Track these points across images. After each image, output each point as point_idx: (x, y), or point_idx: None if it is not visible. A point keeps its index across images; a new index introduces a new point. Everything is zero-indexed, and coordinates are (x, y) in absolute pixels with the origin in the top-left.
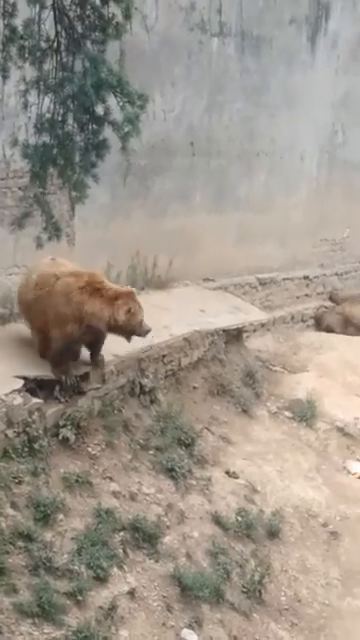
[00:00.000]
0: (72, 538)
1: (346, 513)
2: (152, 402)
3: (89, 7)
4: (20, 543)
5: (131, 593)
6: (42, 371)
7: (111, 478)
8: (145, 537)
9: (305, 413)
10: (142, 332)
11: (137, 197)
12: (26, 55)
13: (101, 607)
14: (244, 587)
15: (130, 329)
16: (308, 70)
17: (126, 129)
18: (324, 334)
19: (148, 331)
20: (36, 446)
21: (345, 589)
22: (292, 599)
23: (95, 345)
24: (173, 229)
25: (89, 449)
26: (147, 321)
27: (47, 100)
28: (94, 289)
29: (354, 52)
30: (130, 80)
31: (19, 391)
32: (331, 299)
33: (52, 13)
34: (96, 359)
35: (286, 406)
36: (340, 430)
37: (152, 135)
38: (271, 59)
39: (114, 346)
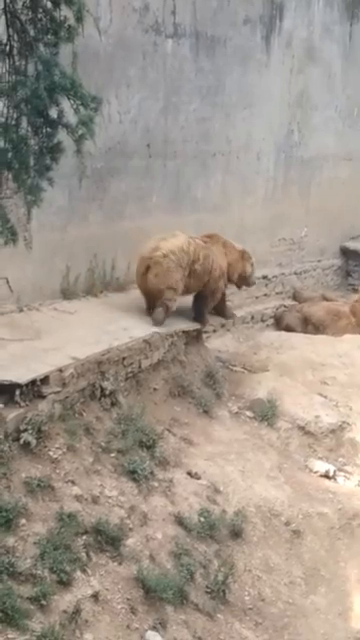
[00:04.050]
0: (35, 543)
1: (308, 511)
2: (113, 405)
3: (41, 10)
4: None
5: (95, 596)
6: (1, 376)
7: (73, 482)
8: (108, 540)
9: (266, 413)
10: (253, 282)
11: (94, 199)
12: None
13: (65, 611)
14: (208, 588)
15: (248, 280)
16: (263, 69)
17: (80, 132)
18: (284, 333)
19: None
20: None
21: (308, 587)
22: (256, 598)
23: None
24: (131, 231)
25: (50, 453)
26: (107, 324)
27: (0, 104)
28: (229, 246)
29: (308, 51)
30: (85, 83)
31: None
32: (294, 298)
33: (4, 17)
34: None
35: (247, 406)
36: (301, 429)
37: (108, 137)
38: (226, 59)
39: (73, 350)
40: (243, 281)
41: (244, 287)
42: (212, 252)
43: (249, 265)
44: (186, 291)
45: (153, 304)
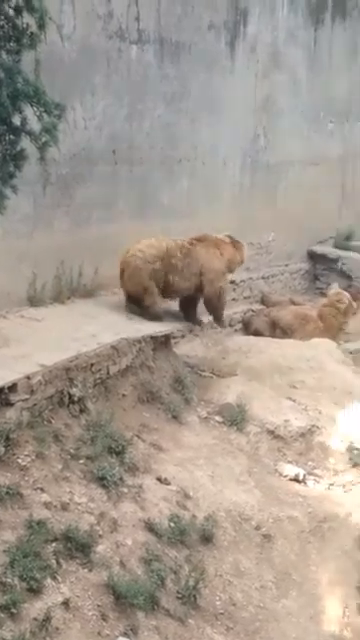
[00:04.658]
0: (4, 551)
1: (279, 515)
2: (81, 411)
3: (2, 17)
4: None
5: (65, 603)
6: None
7: (42, 489)
8: (78, 547)
9: (235, 417)
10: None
11: (59, 206)
12: None
13: (35, 619)
14: (179, 593)
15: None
16: (228, 75)
17: (44, 139)
18: (252, 338)
19: None
20: None
21: (279, 591)
22: (227, 603)
23: (195, 305)
24: (97, 237)
25: (19, 460)
26: (74, 330)
27: None
28: (221, 242)
29: (273, 56)
30: (48, 90)
31: None
32: (262, 302)
33: None
34: (196, 319)
35: (216, 411)
36: (270, 433)
37: (73, 144)
38: (191, 65)
39: (41, 357)
40: (238, 268)
41: None
42: (197, 252)
43: (244, 251)
44: (173, 290)
45: (140, 305)
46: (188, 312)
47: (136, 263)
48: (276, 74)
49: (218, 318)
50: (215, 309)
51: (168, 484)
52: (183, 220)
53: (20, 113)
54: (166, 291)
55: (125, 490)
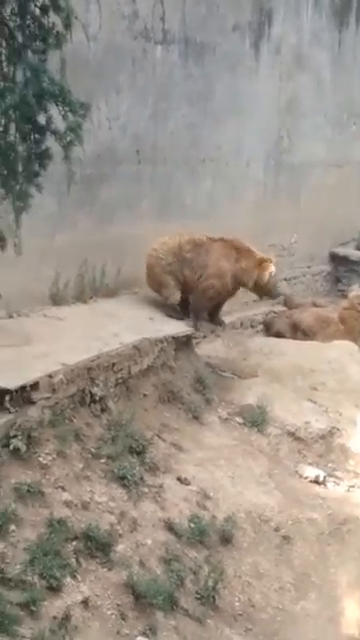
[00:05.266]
0: (24, 549)
1: (298, 517)
2: (103, 411)
3: (29, 17)
4: None
5: (85, 602)
6: None
7: (63, 488)
8: (98, 546)
9: (256, 418)
10: (275, 294)
11: (83, 206)
12: None
13: (55, 617)
14: (198, 593)
15: (267, 290)
16: (252, 76)
17: (68, 138)
18: (273, 339)
19: (279, 295)
20: None
21: (298, 593)
22: (246, 604)
23: (219, 306)
24: (120, 237)
25: (40, 459)
26: (97, 330)
27: None
28: (245, 251)
29: (297, 58)
30: (74, 89)
31: None
32: (284, 304)
33: None
34: (218, 319)
35: (237, 412)
36: (291, 435)
37: (97, 144)
38: (215, 65)
39: (63, 356)
40: (261, 290)
41: (266, 298)
42: (212, 247)
43: (267, 274)
44: (187, 284)
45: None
46: (211, 312)
47: (150, 261)
48: (300, 76)
49: (194, 315)
50: (194, 304)
51: (188, 484)
52: (205, 220)
53: (45, 112)
54: (185, 285)
55: (145, 490)
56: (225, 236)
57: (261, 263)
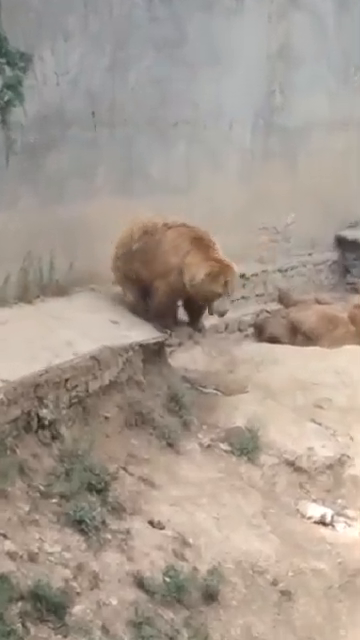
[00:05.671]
0: None
1: (300, 567)
2: (54, 438)
3: None
4: None
5: None
6: None
7: (5, 535)
8: (50, 607)
9: (246, 445)
10: (215, 308)
11: (26, 180)
12: None
13: None
14: None
15: (203, 295)
16: (232, 17)
17: (6, 97)
18: (266, 345)
19: (222, 312)
20: None
21: None
22: None
23: (197, 310)
24: (72, 218)
25: None
26: (45, 337)
27: None
28: (203, 245)
29: None
30: (10, 36)
31: None
32: (280, 301)
33: None
34: (196, 325)
35: (222, 437)
36: (290, 464)
37: (42, 104)
38: (186, 4)
39: (2, 370)
40: (196, 297)
41: (216, 314)
42: (164, 237)
43: (200, 272)
44: (137, 279)
45: None
46: (190, 314)
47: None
48: (295, 15)
49: (156, 320)
50: (152, 306)
51: (162, 529)
52: (179, 196)
53: None
54: (139, 283)
55: (109, 536)
56: (188, 223)
57: (219, 266)
